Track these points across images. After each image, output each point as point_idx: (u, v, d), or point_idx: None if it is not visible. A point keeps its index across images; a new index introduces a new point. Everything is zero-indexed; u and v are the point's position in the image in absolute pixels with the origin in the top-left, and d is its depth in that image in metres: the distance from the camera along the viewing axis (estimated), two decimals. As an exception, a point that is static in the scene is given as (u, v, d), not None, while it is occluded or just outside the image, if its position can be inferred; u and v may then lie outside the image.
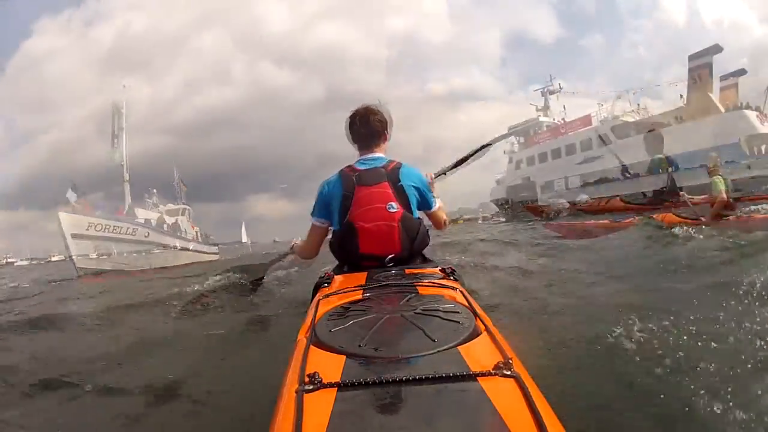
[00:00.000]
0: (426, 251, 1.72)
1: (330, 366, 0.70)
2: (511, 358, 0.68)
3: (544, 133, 30.38)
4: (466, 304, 0.98)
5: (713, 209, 4.96)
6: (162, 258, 17.50)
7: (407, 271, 1.41)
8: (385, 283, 1.21)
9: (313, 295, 1.32)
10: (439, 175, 2.15)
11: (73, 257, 14.47)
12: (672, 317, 1.61)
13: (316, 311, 1.01)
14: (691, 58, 21.77)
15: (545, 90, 32.38)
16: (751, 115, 20.07)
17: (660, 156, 21.07)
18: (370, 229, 1.55)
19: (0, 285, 10.35)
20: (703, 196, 5.45)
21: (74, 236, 14.65)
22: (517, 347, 0.78)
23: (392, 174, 1.61)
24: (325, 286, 1.32)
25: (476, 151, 2.27)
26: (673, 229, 4.66)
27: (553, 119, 31.16)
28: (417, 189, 1.66)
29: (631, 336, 1.59)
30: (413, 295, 1.06)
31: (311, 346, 0.79)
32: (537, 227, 8.86)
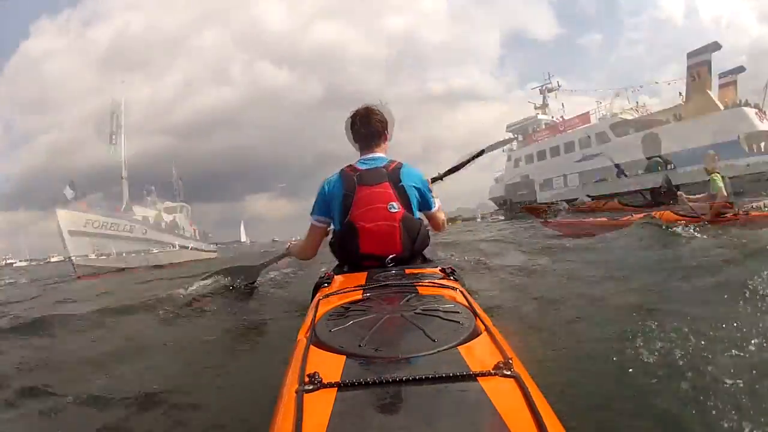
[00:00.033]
0: (426, 252, 1.72)
1: (330, 366, 0.70)
2: (511, 358, 0.68)
3: (543, 131, 30.41)
4: (466, 304, 0.98)
5: (714, 207, 4.95)
6: (160, 257, 17.48)
7: (407, 271, 1.41)
8: (385, 283, 1.21)
9: (313, 295, 1.32)
10: (436, 180, 2.16)
11: (71, 253, 14.44)
12: (673, 317, 1.61)
13: (316, 311, 1.01)
14: (690, 55, 21.78)
15: (543, 88, 32.42)
16: (750, 112, 20.11)
17: (658, 160, 21.18)
18: (371, 229, 1.55)
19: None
20: (700, 195, 5.44)
21: (72, 233, 14.62)
22: (517, 347, 0.78)
23: (393, 174, 1.62)
24: (325, 286, 1.32)
25: (473, 157, 2.27)
26: (673, 228, 4.65)
27: (552, 117, 31.20)
28: (418, 189, 1.66)
29: (632, 336, 1.58)
30: (413, 295, 1.06)
31: (311, 346, 0.79)
32: (536, 226, 8.85)
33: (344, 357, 0.74)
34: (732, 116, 19.91)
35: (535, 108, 32.38)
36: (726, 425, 1.00)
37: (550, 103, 32.02)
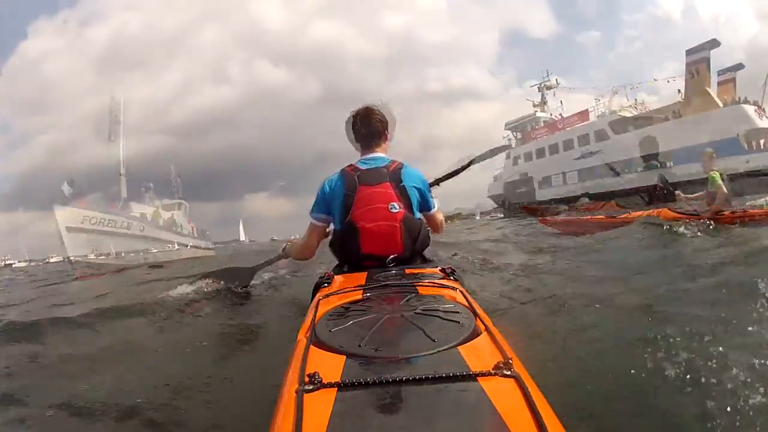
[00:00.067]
0: (426, 252, 1.72)
1: (330, 366, 0.70)
2: (511, 358, 0.68)
3: (542, 128, 30.37)
4: (466, 304, 0.98)
5: (715, 204, 4.92)
6: (158, 256, 17.47)
7: (407, 271, 1.41)
8: (385, 283, 1.21)
9: (313, 295, 1.32)
10: (432, 185, 2.16)
11: (68, 250, 14.43)
12: (674, 317, 1.62)
13: (316, 311, 1.01)
14: (689, 52, 21.76)
15: (542, 86, 32.37)
16: (750, 109, 20.11)
17: (653, 161, 21.30)
18: (372, 229, 1.55)
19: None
20: (698, 194, 5.42)
21: (69, 230, 14.59)
22: (517, 347, 0.78)
23: (394, 174, 1.62)
24: (325, 286, 1.32)
25: (464, 167, 2.27)
26: (673, 227, 4.64)
27: (551, 115, 31.16)
28: (418, 190, 1.66)
29: (632, 335, 1.59)
30: (413, 295, 1.06)
31: (311, 346, 0.79)
32: (535, 225, 8.85)
33: (344, 357, 0.74)
34: (731, 113, 19.91)
35: (534, 106, 32.34)
36: (727, 425, 1.00)
37: (548, 101, 32.01)
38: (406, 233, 1.57)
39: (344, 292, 1.15)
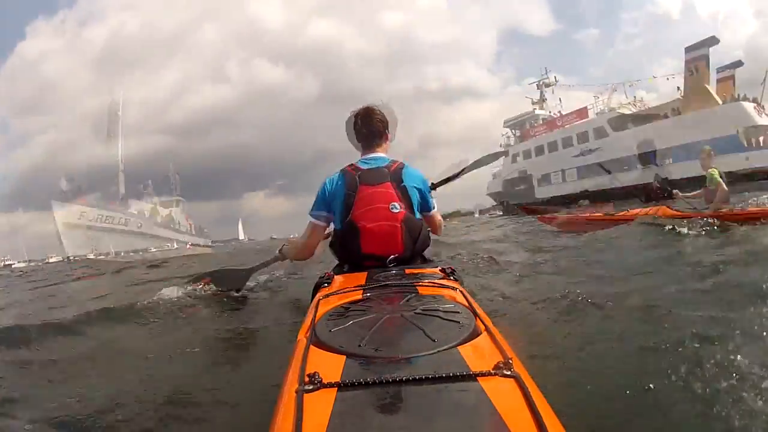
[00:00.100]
0: (426, 252, 1.72)
1: (330, 366, 0.70)
2: (511, 358, 0.68)
3: (541, 126, 30.38)
4: (466, 304, 0.98)
5: (715, 201, 4.90)
6: (157, 255, 17.44)
7: (407, 271, 1.41)
8: (385, 283, 1.21)
9: (313, 295, 1.32)
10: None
11: (65, 247, 14.42)
12: (674, 317, 1.61)
13: (316, 311, 1.01)
14: (688, 50, 21.77)
15: (541, 83, 32.35)
16: (749, 106, 20.12)
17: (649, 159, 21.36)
18: (373, 229, 1.55)
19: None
20: (696, 192, 5.40)
21: (66, 225, 14.58)
22: (517, 347, 0.78)
23: (395, 174, 1.62)
24: (325, 286, 1.32)
25: (462, 171, 2.27)
26: (675, 226, 4.62)
27: (550, 112, 31.15)
28: (419, 190, 1.67)
29: (633, 335, 1.59)
30: (413, 295, 1.06)
31: (311, 346, 0.79)
32: (534, 223, 8.84)
33: (344, 357, 0.74)
34: (731, 111, 19.93)
35: (533, 103, 32.35)
36: (728, 426, 1.00)
37: (547, 98, 31.99)
38: (407, 233, 1.57)
39: (344, 292, 1.15)
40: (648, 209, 5.97)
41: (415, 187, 1.64)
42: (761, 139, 19.67)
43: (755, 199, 5.87)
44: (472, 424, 0.57)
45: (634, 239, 4.56)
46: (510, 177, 31.13)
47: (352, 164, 1.68)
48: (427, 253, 1.73)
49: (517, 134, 32.49)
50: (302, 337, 0.87)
